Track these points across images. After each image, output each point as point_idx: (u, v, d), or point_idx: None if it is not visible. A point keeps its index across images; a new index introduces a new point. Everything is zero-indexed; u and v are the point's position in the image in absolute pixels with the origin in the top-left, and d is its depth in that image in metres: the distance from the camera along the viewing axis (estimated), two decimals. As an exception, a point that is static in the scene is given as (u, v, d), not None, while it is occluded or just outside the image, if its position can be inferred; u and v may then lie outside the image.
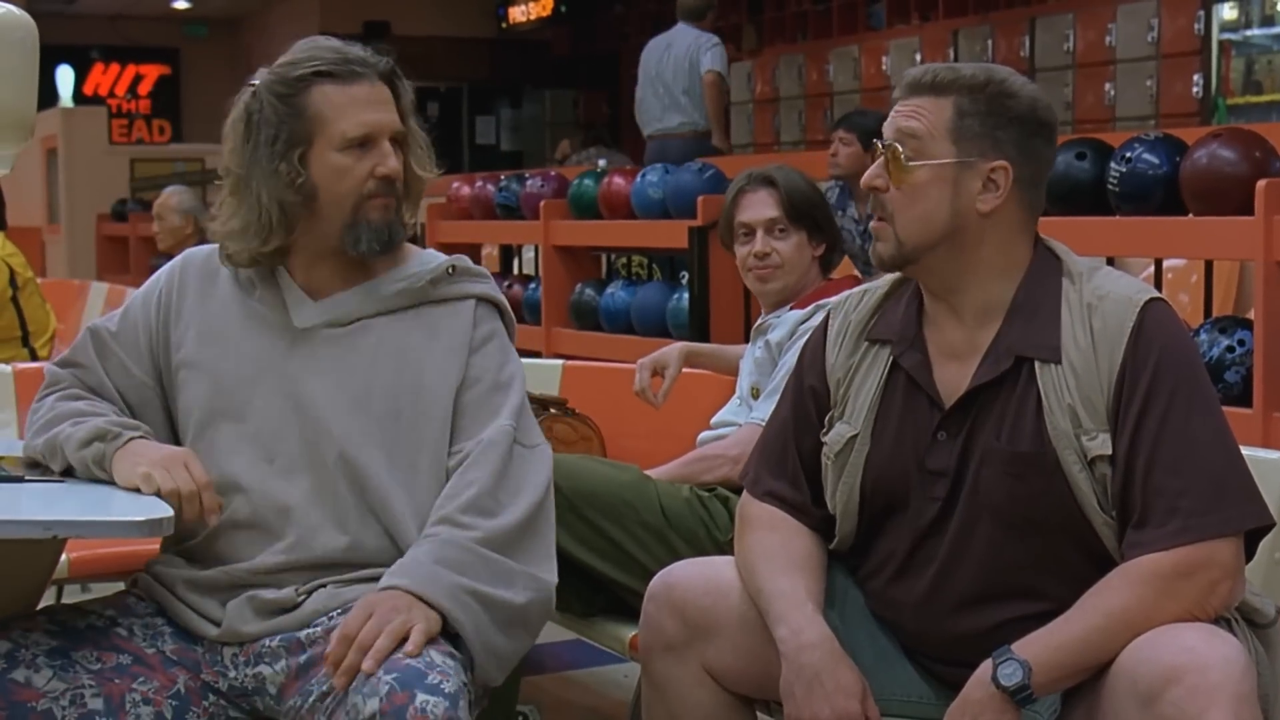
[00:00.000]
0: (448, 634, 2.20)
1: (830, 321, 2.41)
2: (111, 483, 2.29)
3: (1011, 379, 2.20)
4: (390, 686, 2.05)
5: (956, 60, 11.37)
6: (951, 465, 2.23)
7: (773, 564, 2.30)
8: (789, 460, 2.40)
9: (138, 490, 2.24)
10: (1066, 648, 2.06)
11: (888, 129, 2.24)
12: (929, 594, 2.26)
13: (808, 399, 2.40)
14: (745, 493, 2.44)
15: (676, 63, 8.80)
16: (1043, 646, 2.07)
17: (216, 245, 2.46)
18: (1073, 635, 2.06)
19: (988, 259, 2.24)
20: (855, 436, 2.31)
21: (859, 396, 2.32)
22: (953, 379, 2.25)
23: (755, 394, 3.27)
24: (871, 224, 2.26)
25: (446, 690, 2.06)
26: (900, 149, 2.21)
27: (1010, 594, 2.20)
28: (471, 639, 2.20)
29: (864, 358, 2.34)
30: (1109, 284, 2.21)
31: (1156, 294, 2.20)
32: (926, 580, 2.26)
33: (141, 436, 2.35)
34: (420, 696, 2.04)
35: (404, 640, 2.12)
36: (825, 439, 2.36)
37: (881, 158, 2.23)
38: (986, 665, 2.08)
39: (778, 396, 3.11)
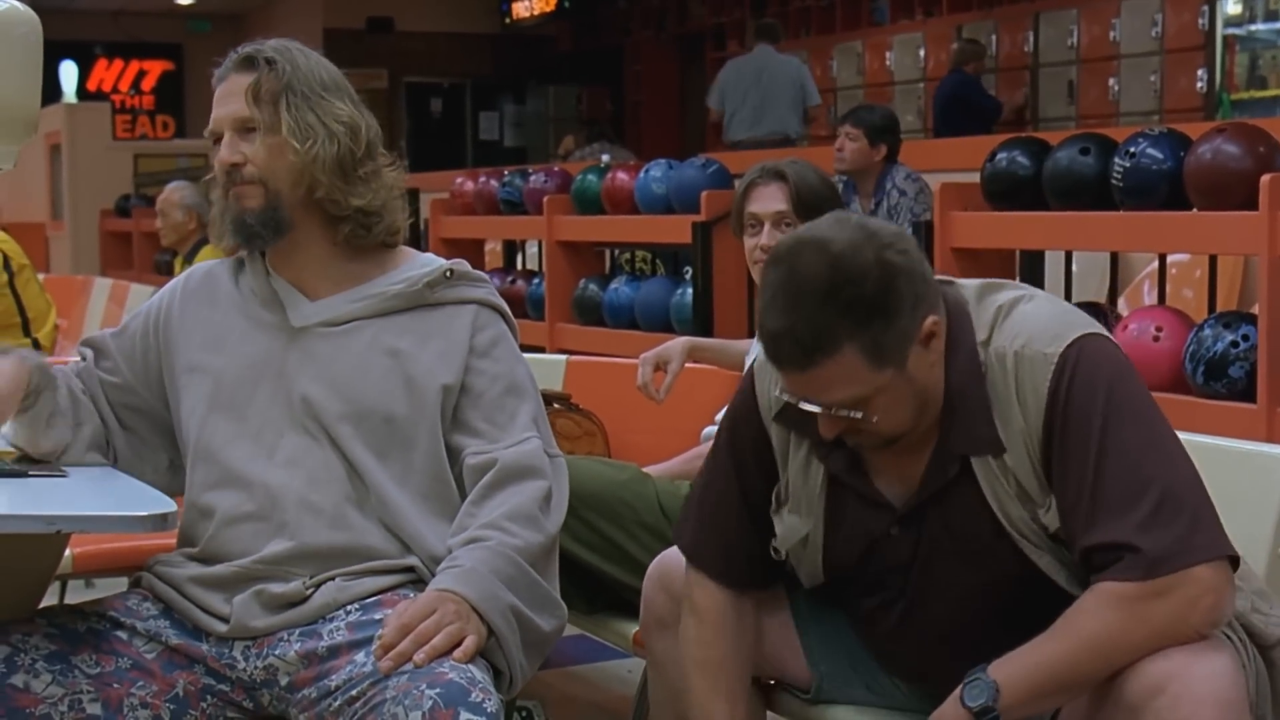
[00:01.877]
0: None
1: (757, 382, 2.27)
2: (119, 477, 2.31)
3: (960, 473, 2.11)
4: (434, 702, 2.06)
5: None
6: (906, 559, 2.18)
7: (705, 680, 2.30)
8: (730, 528, 2.32)
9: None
10: (1037, 669, 2.00)
11: (808, 397, 2.04)
12: (917, 658, 2.26)
13: (749, 460, 2.29)
14: (687, 562, 2.36)
15: (778, 82, 10.28)
16: (1015, 666, 2.01)
17: (218, 259, 2.55)
18: (1043, 658, 2.00)
19: (934, 399, 2.10)
20: (808, 535, 2.25)
21: (804, 490, 2.23)
22: (897, 477, 2.16)
23: (759, 389, 3.26)
24: (850, 441, 2.11)
25: (489, 710, 2.08)
26: (850, 415, 2.04)
27: (977, 658, 2.09)
28: (511, 659, 2.25)
29: (800, 449, 2.23)
30: (1023, 335, 2.07)
31: (1075, 333, 2.06)
32: (893, 648, 2.27)
33: None
34: (464, 715, 2.05)
35: (454, 645, 2.16)
36: (777, 524, 2.27)
37: (823, 419, 2.06)
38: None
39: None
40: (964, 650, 2.10)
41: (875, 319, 1.99)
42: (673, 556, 2.43)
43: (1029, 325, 2.08)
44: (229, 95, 2.41)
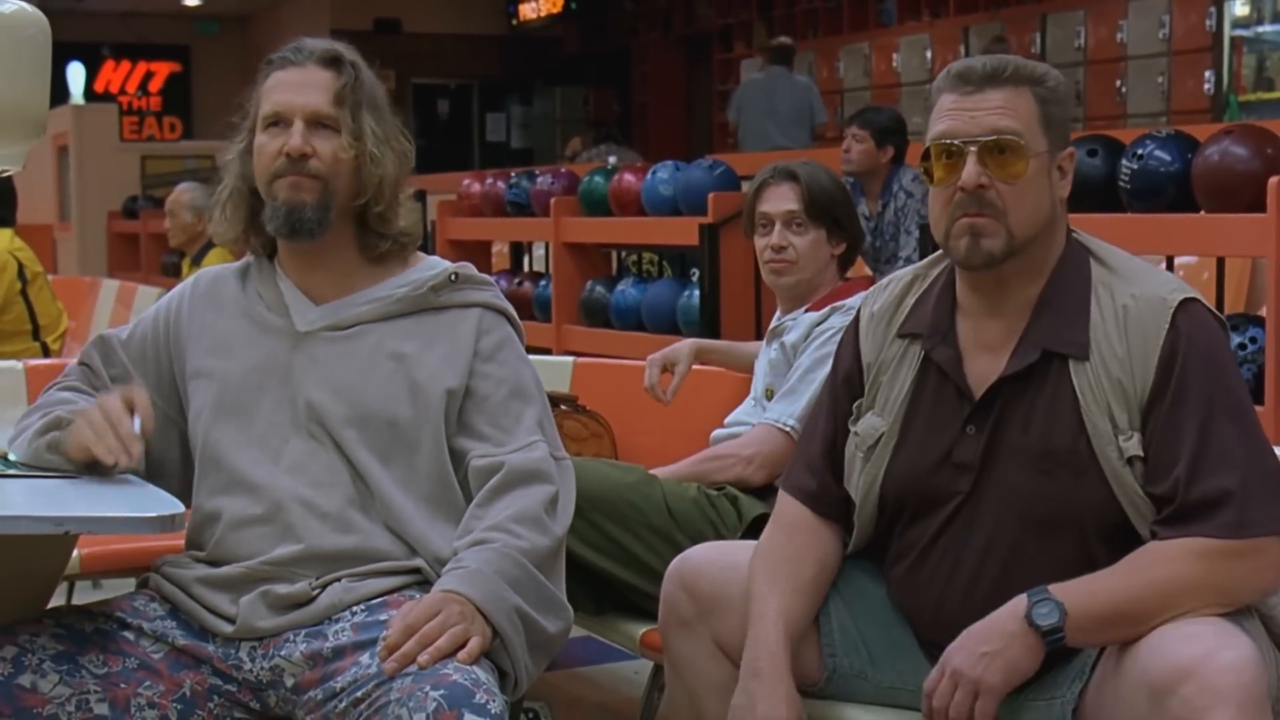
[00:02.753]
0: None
1: (861, 313, 2.43)
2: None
3: (1041, 374, 2.20)
4: (438, 703, 2.06)
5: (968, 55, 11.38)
6: (977, 459, 2.23)
7: (772, 578, 2.33)
8: (818, 453, 2.42)
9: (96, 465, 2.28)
10: (1102, 599, 2.06)
11: (969, 126, 2.19)
12: (946, 586, 2.27)
13: (841, 390, 2.42)
14: (781, 485, 2.49)
15: (788, 102, 11.00)
16: (1081, 593, 2.07)
17: (226, 262, 2.56)
18: (1112, 589, 2.07)
19: (1047, 251, 2.24)
20: (883, 434, 2.32)
21: (891, 390, 2.33)
22: (984, 371, 2.25)
23: (769, 395, 3.27)
24: (971, 221, 2.20)
25: (493, 711, 2.08)
26: (1011, 143, 2.19)
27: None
28: (516, 660, 2.25)
29: (894, 351, 2.34)
30: (1141, 283, 2.20)
31: (1189, 292, 2.19)
32: (945, 573, 2.27)
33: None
34: (468, 716, 2.05)
35: (459, 646, 2.16)
36: (855, 428, 2.37)
37: (973, 157, 2.18)
38: (1020, 600, 2.09)
39: (792, 397, 3.14)
40: (1003, 594, 2.16)
41: (1048, 87, 2.23)
42: (694, 556, 2.43)
43: (1148, 279, 2.22)
44: (308, 85, 2.41)
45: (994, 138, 2.18)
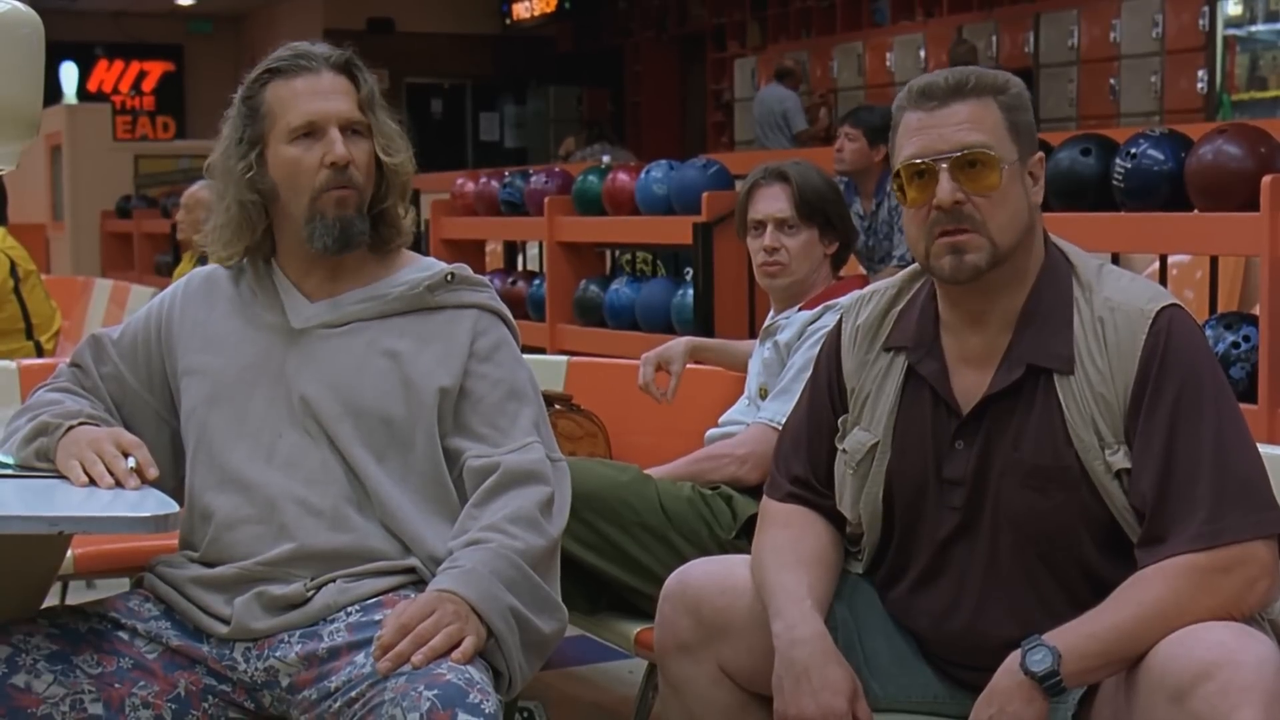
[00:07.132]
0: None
1: (842, 326, 2.40)
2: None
3: (1028, 389, 2.19)
4: (432, 703, 2.06)
5: (949, 60, 11.38)
6: (968, 475, 2.22)
7: (779, 559, 2.30)
8: (806, 457, 2.40)
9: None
10: (1099, 637, 2.04)
11: (938, 144, 2.17)
12: (950, 605, 2.26)
13: (823, 402, 2.39)
14: (765, 495, 2.45)
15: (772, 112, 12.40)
16: (1074, 635, 2.05)
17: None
18: (1105, 625, 2.04)
19: (1028, 259, 2.23)
20: (876, 445, 2.30)
21: (877, 404, 2.31)
22: (970, 386, 2.24)
23: (763, 394, 3.26)
24: (952, 240, 2.17)
25: (487, 710, 2.08)
26: (982, 156, 2.16)
27: (1030, 608, 2.18)
28: (511, 660, 2.25)
29: (879, 364, 2.33)
30: (1119, 293, 2.19)
31: (1168, 300, 2.18)
32: (947, 591, 2.26)
33: (82, 423, 2.35)
34: (462, 716, 2.05)
35: (453, 646, 2.16)
36: (843, 445, 2.34)
37: (945, 174, 2.15)
38: (1015, 654, 2.07)
39: (786, 396, 3.13)
40: (1005, 608, 2.17)
41: (1011, 95, 2.22)
42: (693, 577, 2.36)
43: (1125, 289, 2.21)
44: (332, 93, 2.40)
45: (964, 153, 2.16)
